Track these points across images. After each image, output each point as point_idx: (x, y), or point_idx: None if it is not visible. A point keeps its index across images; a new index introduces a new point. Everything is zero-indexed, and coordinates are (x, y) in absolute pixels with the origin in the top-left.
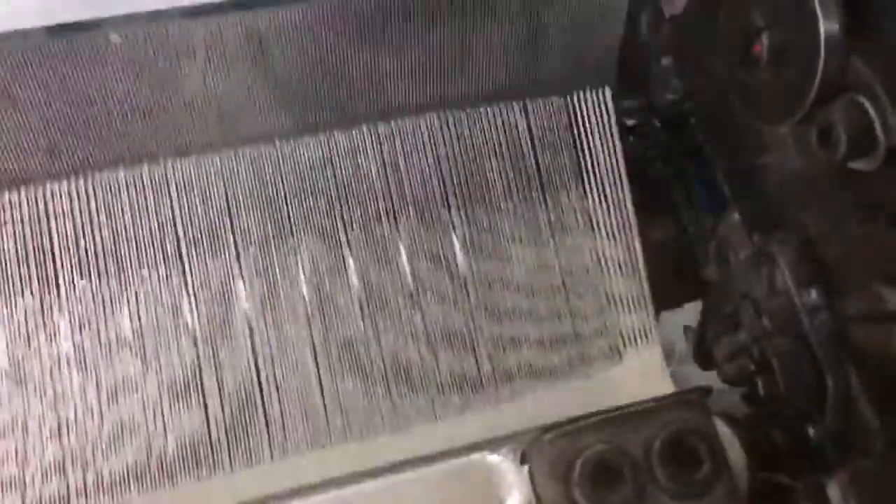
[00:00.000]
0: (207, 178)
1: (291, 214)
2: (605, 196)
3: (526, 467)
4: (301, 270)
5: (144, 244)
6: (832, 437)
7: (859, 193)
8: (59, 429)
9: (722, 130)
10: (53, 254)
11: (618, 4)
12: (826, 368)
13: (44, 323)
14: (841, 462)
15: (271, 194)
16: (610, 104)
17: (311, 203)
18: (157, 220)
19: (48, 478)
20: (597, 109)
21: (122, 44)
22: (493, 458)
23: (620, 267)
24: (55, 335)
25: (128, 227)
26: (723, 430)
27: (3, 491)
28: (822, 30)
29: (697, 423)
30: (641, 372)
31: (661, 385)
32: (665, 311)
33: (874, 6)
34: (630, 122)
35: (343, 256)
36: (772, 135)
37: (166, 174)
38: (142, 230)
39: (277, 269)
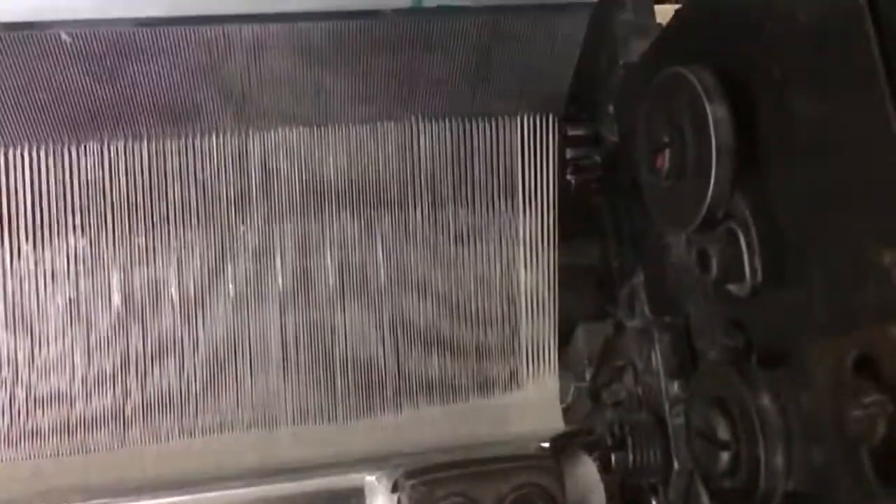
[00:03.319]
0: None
1: None
2: (532, 222)
3: (396, 496)
4: None
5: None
6: None
7: (729, 310)
8: None
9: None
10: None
11: (572, 40)
12: (674, 452)
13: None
14: None
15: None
16: (553, 131)
17: None
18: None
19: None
20: (540, 135)
21: None
22: (370, 478)
23: (535, 297)
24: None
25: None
26: (592, 475)
27: None
28: (713, 168)
29: (548, 486)
30: (538, 402)
31: (553, 418)
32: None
33: (763, 154)
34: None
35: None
36: None
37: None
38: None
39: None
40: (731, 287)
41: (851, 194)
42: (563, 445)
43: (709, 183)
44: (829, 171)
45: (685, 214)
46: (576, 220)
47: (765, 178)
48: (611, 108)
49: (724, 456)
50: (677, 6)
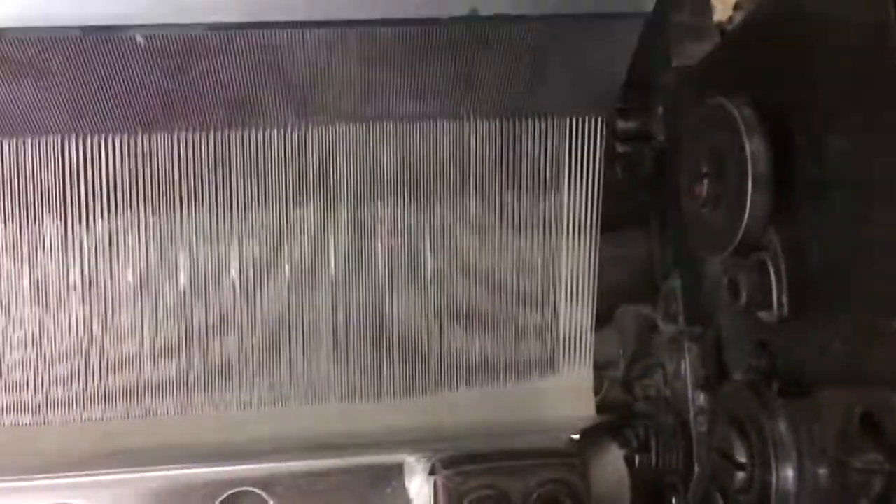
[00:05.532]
0: None
1: None
2: (576, 213)
3: (433, 479)
4: None
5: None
6: None
7: (757, 331)
8: None
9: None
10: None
11: (625, 45)
12: (696, 457)
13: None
14: None
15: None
16: (601, 133)
17: None
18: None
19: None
20: (588, 135)
21: None
22: (410, 459)
23: (575, 286)
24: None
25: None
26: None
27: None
28: (749, 200)
29: (573, 483)
30: (572, 388)
31: (586, 406)
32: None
33: (799, 190)
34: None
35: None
36: None
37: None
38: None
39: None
40: (760, 314)
41: (875, 247)
42: (594, 436)
43: (743, 214)
44: (857, 218)
45: (719, 242)
46: (623, 212)
47: (799, 215)
48: (661, 110)
49: (740, 475)
50: None
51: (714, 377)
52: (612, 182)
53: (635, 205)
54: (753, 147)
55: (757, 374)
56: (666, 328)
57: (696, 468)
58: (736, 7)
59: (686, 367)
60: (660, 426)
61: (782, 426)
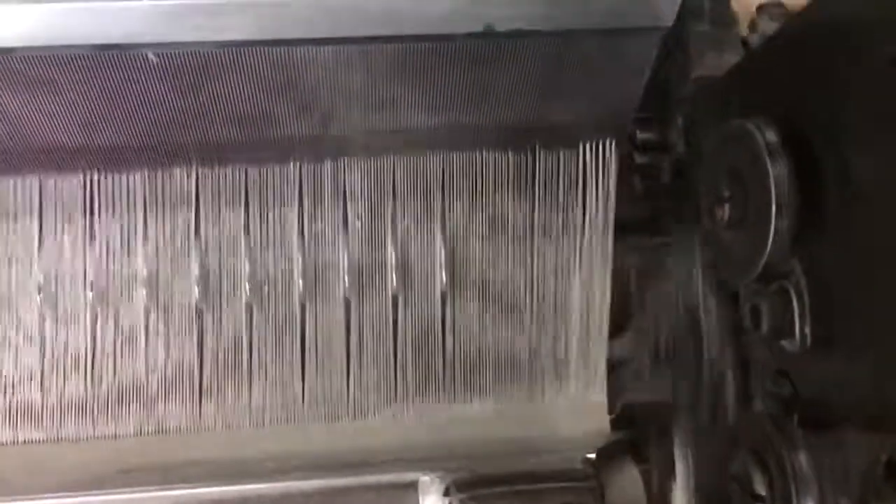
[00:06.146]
0: None
1: None
2: (589, 234)
3: (448, 500)
4: None
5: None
6: None
7: (779, 359)
8: None
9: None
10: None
11: (643, 61)
12: None
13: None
14: None
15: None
16: (613, 154)
17: None
18: None
19: None
20: (604, 151)
21: None
22: (424, 478)
23: (589, 305)
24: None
25: None
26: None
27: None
28: (772, 226)
29: None
30: (586, 404)
31: (601, 423)
32: None
33: (823, 216)
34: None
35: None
36: None
37: None
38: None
39: None
40: (783, 342)
41: None
42: (610, 454)
43: (767, 241)
44: (885, 246)
45: (741, 268)
46: (641, 221)
47: (823, 241)
48: (680, 121)
49: None
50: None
51: (741, 395)
52: (630, 192)
53: (654, 213)
54: (777, 171)
55: (778, 402)
56: None
57: None
58: (752, 26)
59: None
60: None
61: (804, 460)
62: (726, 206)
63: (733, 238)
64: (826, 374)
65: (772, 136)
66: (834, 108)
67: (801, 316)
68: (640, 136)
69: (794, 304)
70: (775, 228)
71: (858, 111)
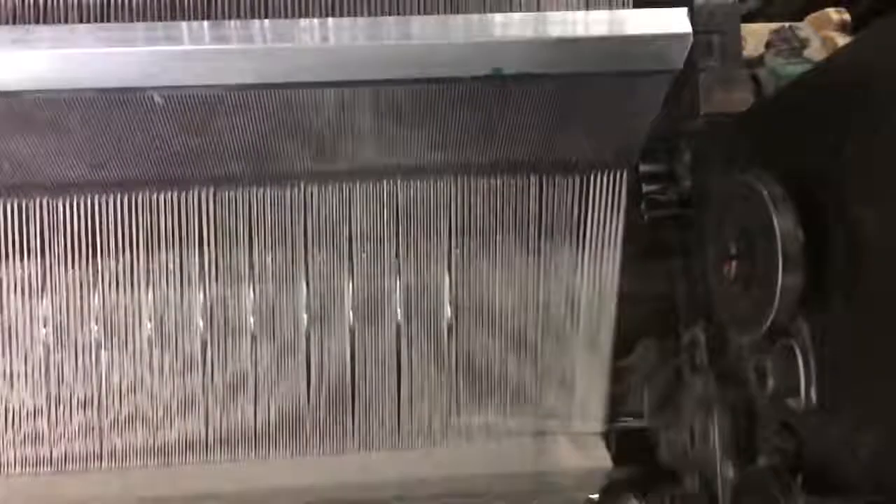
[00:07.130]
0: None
1: None
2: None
3: None
4: None
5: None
6: None
7: (784, 413)
8: None
9: None
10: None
11: (651, 102)
12: None
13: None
14: None
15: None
16: (624, 186)
17: None
18: None
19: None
20: (610, 188)
21: None
22: None
23: (590, 340)
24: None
25: None
26: None
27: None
28: (779, 283)
29: None
30: (588, 440)
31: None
32: None
33: (830, 278)
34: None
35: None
36: None
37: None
38: None
39: None
40: (788, 401)
41: None
42: (614, 495)
43: (774, 300)
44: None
45: (748, 325)
46: (648, 251)
47: (830, 299)
48: (687, 157)
49: None
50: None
51: (744, 448)
52: (636, 222)
53: (660, 245)
54: (783, 225)
55: (783, 457)
56: (692, 381)
57: None
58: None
59: (714, 432)
60: (686, 497)
61: None
62: (733, 264)
63: (740, 295)
64: (831, 435)
65: (778, 190)
66: (840, 161)
67: (807, 376)
68: (647, 168)
69: (800, 363)
70: (782, 287)
71: (863, 166)
